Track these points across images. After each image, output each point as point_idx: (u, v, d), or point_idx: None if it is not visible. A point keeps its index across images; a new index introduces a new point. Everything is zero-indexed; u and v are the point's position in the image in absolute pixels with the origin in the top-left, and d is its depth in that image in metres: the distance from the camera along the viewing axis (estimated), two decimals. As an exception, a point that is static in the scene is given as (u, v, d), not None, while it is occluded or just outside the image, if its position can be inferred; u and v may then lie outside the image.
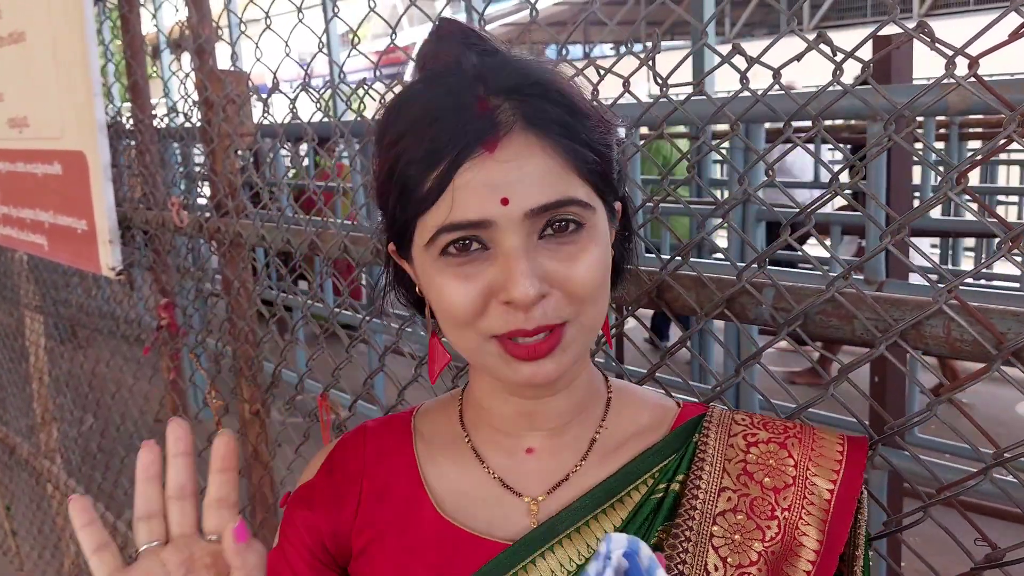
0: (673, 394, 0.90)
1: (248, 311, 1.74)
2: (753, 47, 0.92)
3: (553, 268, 0.65)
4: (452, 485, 0.78)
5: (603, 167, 0.69)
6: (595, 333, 0.71)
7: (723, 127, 4.54)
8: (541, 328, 0.65)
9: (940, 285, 0.78)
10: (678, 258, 0.96)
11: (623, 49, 1.03)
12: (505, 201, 0.63)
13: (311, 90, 1.54)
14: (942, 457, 2.56)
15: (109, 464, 2.84)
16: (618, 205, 0.75)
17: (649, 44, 0.99)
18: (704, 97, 0.98)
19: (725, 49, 1.04)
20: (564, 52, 1.05)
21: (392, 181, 0.68)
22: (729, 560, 0.69)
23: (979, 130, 5.61)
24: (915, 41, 0.78)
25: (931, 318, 0.78)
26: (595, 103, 0.73)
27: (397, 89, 0.85)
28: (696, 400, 0.90)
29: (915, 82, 2.30)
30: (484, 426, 0.79)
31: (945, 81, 0.76)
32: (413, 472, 0.80)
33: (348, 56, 1.56)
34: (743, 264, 0.91)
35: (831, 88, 0.86)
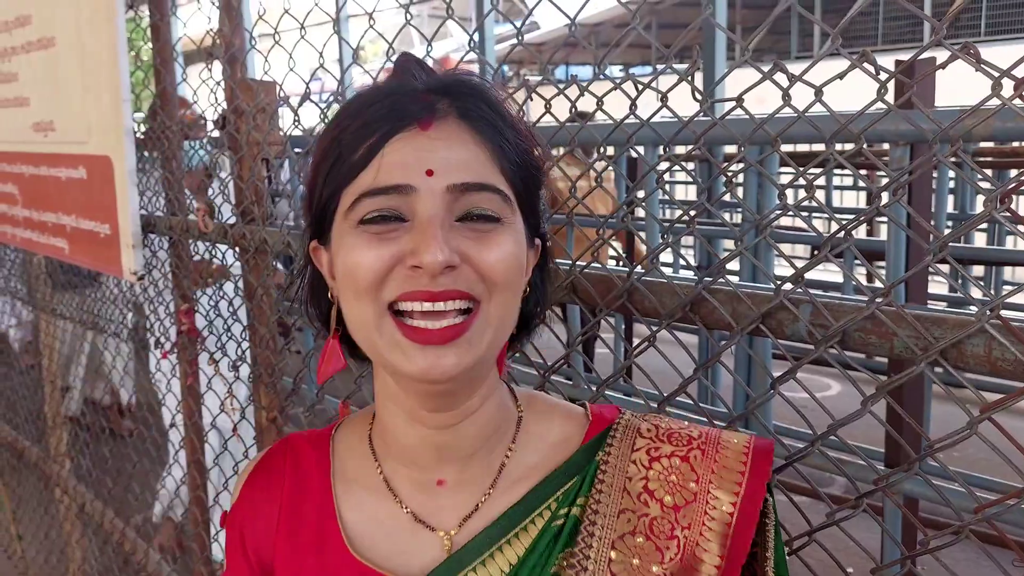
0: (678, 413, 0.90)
1: (270, 318, 1.75)
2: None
3: (466, 247, 0.66)
4: (365, 517, 0.77)
5: (526, 176, 0.71)
6: (502, 338, 0.71)
7: (731, 149, 4.54)
8: (449, 293, 0.65)
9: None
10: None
11: (641, 68, 1.04)
12: (430, 172, 0.65)
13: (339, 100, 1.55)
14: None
15: (120, 469, 2.83)
16: (538, 242, 0.76)
17: (658, 67, 1.00)
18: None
19: (735, 73, 1.06)
20: (597, 71, 1.06)
21: (325, 157, 0.70)
22: None
23: (990, 159, 5.65)
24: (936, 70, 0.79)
25: (972, 337, 0.78)
26: (529, 126, 0.76)
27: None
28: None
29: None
30: (391, 458, 0.78)
31: (987, 105, 0.77)
32: (328, 498, 0.79)
33: (382, 68, 1.58)
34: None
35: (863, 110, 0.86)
